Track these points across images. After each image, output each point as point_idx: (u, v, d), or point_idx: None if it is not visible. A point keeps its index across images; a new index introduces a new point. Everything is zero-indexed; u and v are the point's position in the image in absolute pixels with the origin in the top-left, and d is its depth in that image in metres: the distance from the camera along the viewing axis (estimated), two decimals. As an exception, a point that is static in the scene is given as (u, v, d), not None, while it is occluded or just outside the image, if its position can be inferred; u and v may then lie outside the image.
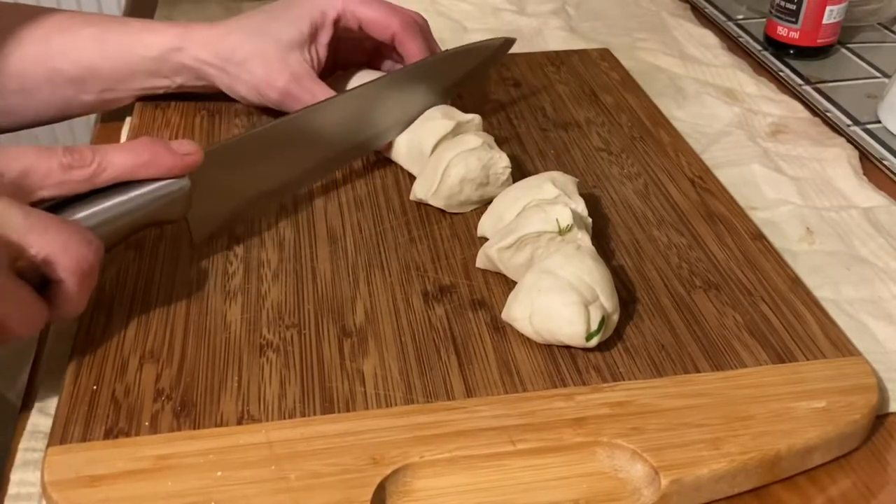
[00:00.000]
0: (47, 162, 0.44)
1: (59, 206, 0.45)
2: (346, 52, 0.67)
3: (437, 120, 0.59)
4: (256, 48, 0.62)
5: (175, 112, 0.68)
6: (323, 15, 0.63)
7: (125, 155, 0.46)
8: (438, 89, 0.63)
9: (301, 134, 0.57)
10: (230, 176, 0.53)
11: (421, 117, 0.61)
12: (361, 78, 0.66)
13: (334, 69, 0.68)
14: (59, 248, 0.42)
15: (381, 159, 0.63)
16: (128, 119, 0.68)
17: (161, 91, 0.66)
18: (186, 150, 0.48)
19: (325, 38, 0.63)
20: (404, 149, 0.61)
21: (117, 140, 0.67)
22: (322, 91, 0.62)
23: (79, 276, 0.43)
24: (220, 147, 0.53)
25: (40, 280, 0.42)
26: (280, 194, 0.57)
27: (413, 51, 0.63)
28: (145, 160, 0.46)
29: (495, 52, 0.67)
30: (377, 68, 0.68)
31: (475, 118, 0.61)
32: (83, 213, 0.45)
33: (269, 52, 0.62)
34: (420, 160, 0.59)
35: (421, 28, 0.64)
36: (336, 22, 0.63)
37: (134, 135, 0.65)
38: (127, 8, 0.97)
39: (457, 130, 0.59)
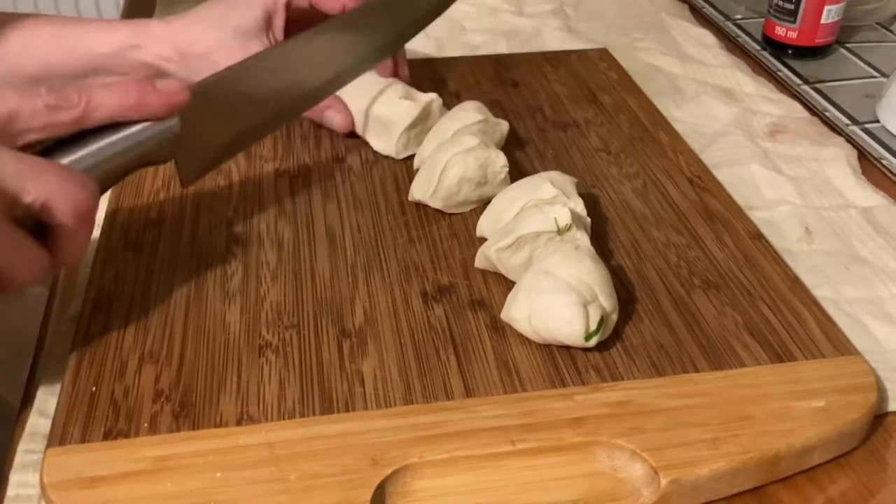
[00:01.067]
0: (31, 103, 0.43)
1: (49, 149, 0.44)
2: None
3: (402, 105, 0.63)
4: (216, 40, 0.63)
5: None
6: (274, 2, 0.65)
7: (112, 95, 0.45)
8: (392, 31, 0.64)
9: (273, 72, 0.56)
10: (215, 115, 0.52)
11: (379, 92, 0.64)
12: None
13: None
14: (55, 192, 0.41)
15: (379, 159, 0.63)
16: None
17: None
18: (174, 90, 0.47)
19: (280, 21, 0.65)
20: (371, 125, 0.64)
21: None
22: None
23: (77, 219, 0.42)
24: (206, 84, 0.52)
25: (38, 226, 0.42)
26: (260, 132, 0.58)
27: None
28: (133, 101, 0.46)
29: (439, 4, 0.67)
30: None
31: (435, 100, 0.64)
32: (75, 156, 0.44)
33: (229, 42, 0.63)
34: (386, 138, 0.64)
35: None
36: (287, 5, 0.65)
37: None
38: (125, 7, 0.97)
39: (423, 114, 0.63)
